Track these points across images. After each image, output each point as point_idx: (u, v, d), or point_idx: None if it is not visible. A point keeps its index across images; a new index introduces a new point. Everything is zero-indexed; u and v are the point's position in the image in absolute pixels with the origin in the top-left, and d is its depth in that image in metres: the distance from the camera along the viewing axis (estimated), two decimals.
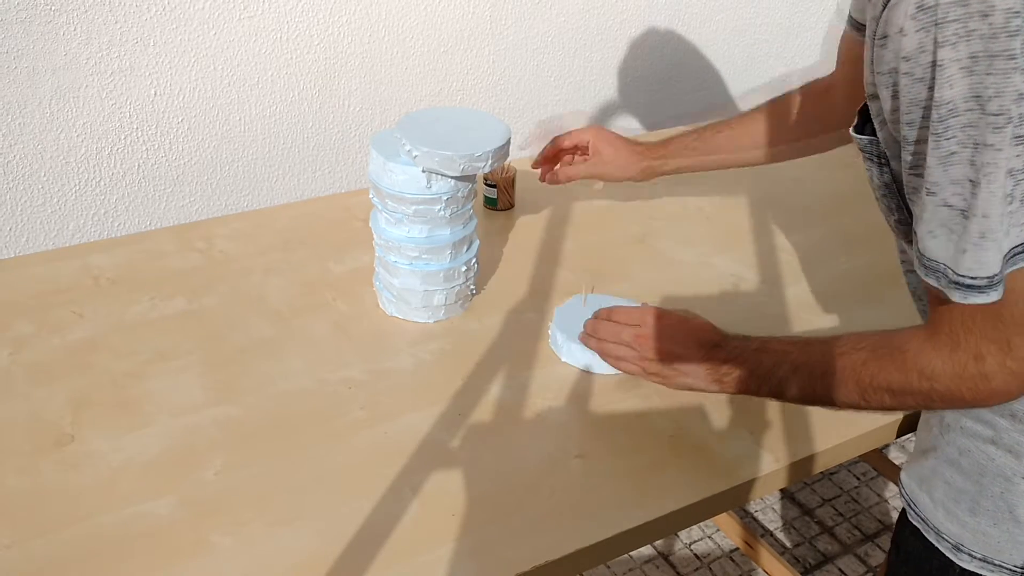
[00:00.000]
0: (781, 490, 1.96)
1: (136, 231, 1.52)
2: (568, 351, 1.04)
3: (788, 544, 1.87)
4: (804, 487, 2.01)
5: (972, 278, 0.67)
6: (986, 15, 0.59)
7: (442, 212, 1.06)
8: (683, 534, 1.87)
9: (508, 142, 1.06)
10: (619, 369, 1.00)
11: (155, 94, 1.44)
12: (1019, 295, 0.68)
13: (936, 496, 0.86)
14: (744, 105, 2.17)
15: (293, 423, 0.94)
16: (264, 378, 1.01)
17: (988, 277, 0.67)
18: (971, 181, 0.64)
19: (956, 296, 0.69)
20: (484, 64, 1.76)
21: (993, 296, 0.67)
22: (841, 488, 2.01)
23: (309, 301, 1.14)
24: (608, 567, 1.78)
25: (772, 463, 0.92)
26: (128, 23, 1.37)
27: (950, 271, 0.68)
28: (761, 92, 2.18)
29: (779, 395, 0.87)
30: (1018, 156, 0.62)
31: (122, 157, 1.46)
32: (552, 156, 1.29)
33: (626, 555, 1.76)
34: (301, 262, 1.23)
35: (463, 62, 1.73)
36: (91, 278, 1.17)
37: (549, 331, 1.09)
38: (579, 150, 1.28)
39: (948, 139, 0.64)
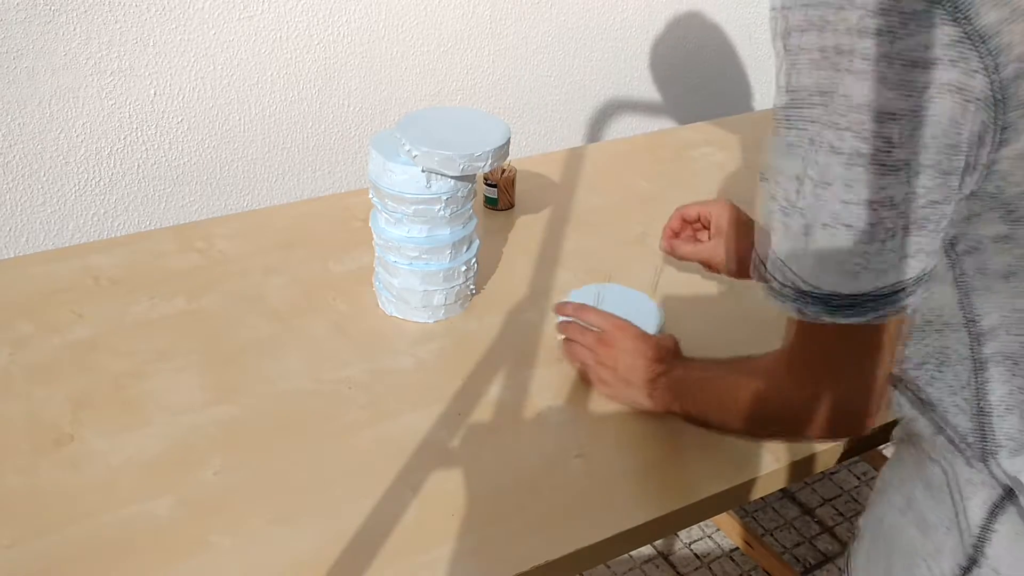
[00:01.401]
0: (781, 490, 1.96)
1: (136, 231, 1.52)
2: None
3: (788, 544, 1.87)
4: (804, 487, 2.01)
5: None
6: (843, 8, 0.56)
7: (442, 212, 1.06)
8: (683, 534, 1.86)
9: (508, 142, 1.06)
10: (578, 372, 1.01)
11: (155, 94, 1.44)
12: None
13: (856, 571, 0.80)
14: (745, 106, 2.17)
15: (293, 423, 0.94)
16: (264, 378, 1.01)
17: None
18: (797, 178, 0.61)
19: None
20: (484, 64, 1.76)
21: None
22: (841, 488, 2.01)
23: (309, 301, 1.14)
24: (608, 567, 1.78)
25: (772, 462, 0.92)
26: (128, 23, 1.37)
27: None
28: (766, 91, 2.18)
29: (704, 422, 0.86)
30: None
31: (122, 157, 1.46)
32: (678, 229, 1.12)
33: (626, 555, 1.76)
34: (301, 262, 1.23)
35: (463, 62, 1.73)
36: (91, 278, 1.17)
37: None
38: (702, 224, 1.12)
39: (794, 129, 0.60)
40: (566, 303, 1.03)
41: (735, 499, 0.91)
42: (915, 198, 0.57)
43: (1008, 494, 0.66)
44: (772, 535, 1.89)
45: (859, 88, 0.56)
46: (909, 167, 0.56)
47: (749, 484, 0.90)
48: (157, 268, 1.20)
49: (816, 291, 0.61)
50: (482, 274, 1.20)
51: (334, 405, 0.97)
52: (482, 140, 1.04)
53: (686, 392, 0.88)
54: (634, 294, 1.10)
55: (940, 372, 0.68)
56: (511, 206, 1.39)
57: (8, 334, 1.05)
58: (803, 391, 0.69)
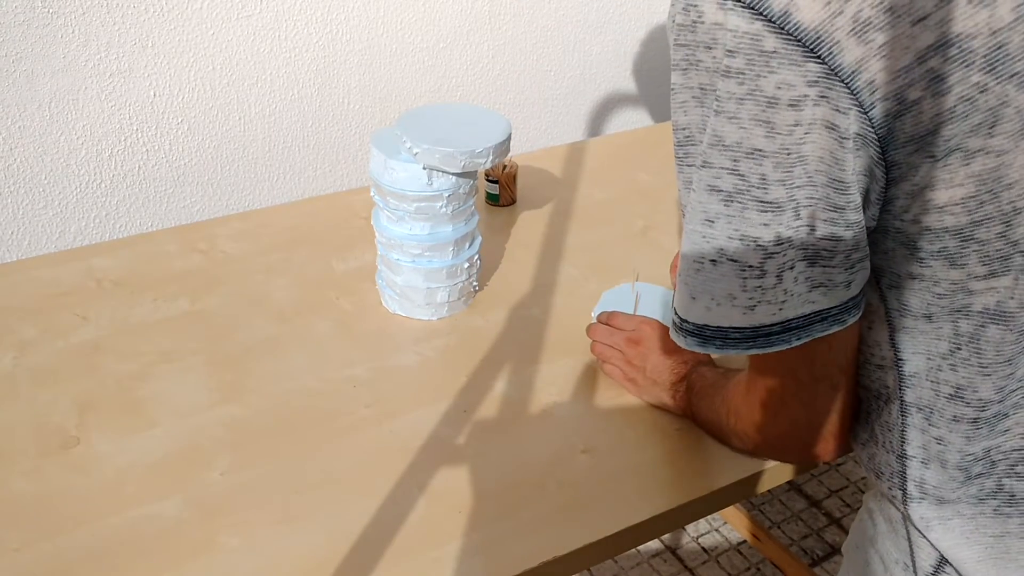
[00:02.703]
0: (788, 482, 1.96)
1: (138, 232, 1.52)
2: None
3: (796, 536, 1.87)
4: (811, 478, 2.01)
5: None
6: (710, 48, 0.55)
7: (444, 209, 1.06)
8: (690, 528, 1.86)
9: (509, 137, 1.06)
10: (604, 371, 1.01)
11: (154, 95, 1.44)
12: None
13: None
14: None
15: (298, 422, 0.94)
16: (268, 378, 1.00)
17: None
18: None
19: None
20: (484, 59, 1.75)
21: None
22: (848, 479, 2.01)
23: (312, 300, 1.14)
24: (615, 561, 1.78)
25: None
26: (126, 25, 1.37)
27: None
28: None
29: (705, 429, 0.90)
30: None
31: (122, 159, 1.46)
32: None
33: (633, 549, 1.76)
34: (303, 261, 1.22)
35: (462, 57, 1.73)
36: (94, 280, 1.17)
37: (593, 313, 1.09)
38: None
39: (688, 166, 0.60)
40: (596, 325, 1.03)
41: (742, 492, 0.91)
42: (808, 232, 0.57)
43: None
44: (780, 527, 1.88)
45: (726, 128, 0.55)
46: (793, 202, 0.56)
47: (756, 477, 0.90)
48: (160, 269, 1.20)
49: (712, 327, 0.62)
50: (485, 270, 1.20)
51: (339, 404, 0.97)
52: (483, 136, 1.04)
53: (696, 396, 0.89)
54: (666, 291, 1.10)
55: (878, 406, 0.67)
56: (513, 202, 1.39)
57: (12, 337, 1.05)
58: (753, 415, 0.72)
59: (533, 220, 1.35)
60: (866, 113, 0.53)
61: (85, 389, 0.98)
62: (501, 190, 1.37)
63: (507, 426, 0.95)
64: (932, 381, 0.62)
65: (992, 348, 0.58)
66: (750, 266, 0.58)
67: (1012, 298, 0.57)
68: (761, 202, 0.56)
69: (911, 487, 0.65)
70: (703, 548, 1.83)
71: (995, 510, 0.62)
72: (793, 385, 0.66)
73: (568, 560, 0.80)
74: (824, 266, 0.58)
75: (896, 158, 0.55)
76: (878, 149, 0.55)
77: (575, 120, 1.94)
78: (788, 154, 0.54)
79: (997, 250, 0.55)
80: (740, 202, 0.56)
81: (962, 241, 0.56)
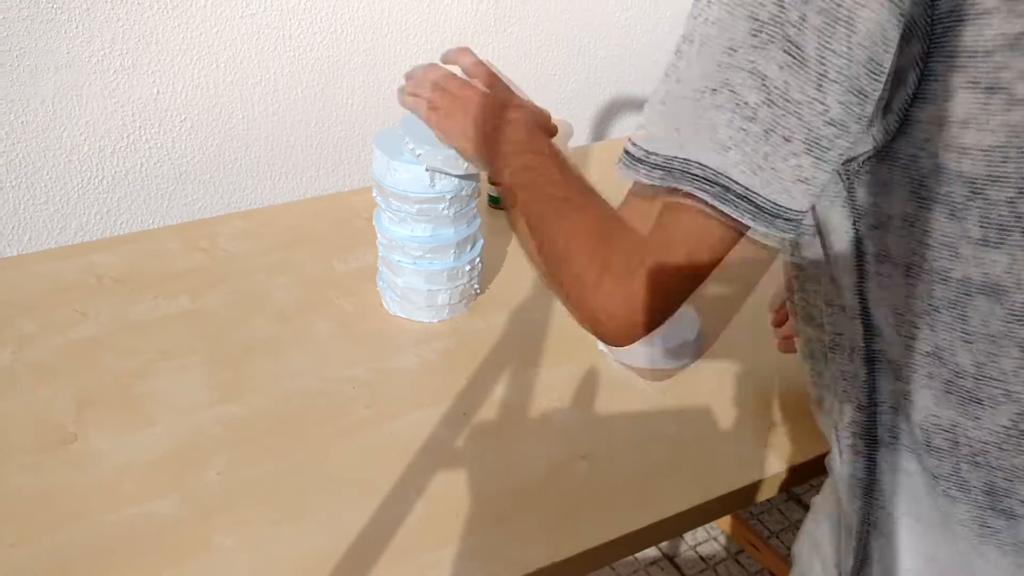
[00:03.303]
0: (787, 492, 1.96)
1: (139, 229, 1.52)
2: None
3: None
4: (810, 489, 2.01)
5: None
6: None
7: (446, 211, 1.06)
8: (688, 536, 1.86)
9: None
10: (403, 97, 0.94)
11: (158, 92, 1.44)
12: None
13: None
14: None
15: (297, 422, 0.94)
16: (268, 377, 1.00)
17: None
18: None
19: None
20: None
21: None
22: None
23: (313, 300, 1.14)
24: (613, 569, 1.78)
25: (778, 465, 0.92)
26: (130, 21, 1.37)
27: None
28: None
29: (512, 197, 0.76)
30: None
31: (125, 155, 1.46)
32: (780, 322, 1.01)
33: (631, 557, 1.75)
34: (305, 261, 1.22)
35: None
36: (94, 277, 1.17)
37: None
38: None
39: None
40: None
41: (740, 501, 0.90)
42: (821, 108, 0.52)
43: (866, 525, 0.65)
44: (778, 537, 1.88)
45: None
46: (820, 66, 0.51)
47: (755, 486, 0.90)
48: (160, 267, 1.19)
49: (680, 159, 0.55)
50: (487, 273, 1.20)
51: (338, 405, 0.97)
52: None
53: (535, 181, 0.76)
54: None
55: (833, 354, 0.65)
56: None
57: (11, 333, 1.05)
58: (595, 253, 0.62)
59: None
60: (928, 4, 0.49)
61: (84, 386, 0.98)
62: None
63: (506, 430, 0.95)
64: (906, 337, 0.59)
65: (979, 318, 0.55)
66: (746, 103, 0.53)
67: (1009, 273, 0.54)
68: (788, 42, 0.51)
69: (882, 432, 0.63)
70: (701, 557, 1.82)
71: (944, 492, 0.60)
72: (659, 248, 0.59)
73: (565, 566, 0.80)
74: (811, 156, 0.53)
75: (937, 70, 0.51)
76: (923, 49, 0.51)
77: (580, 124, 1.94)
78: (839, 6, 0.50)
79: (1000, 216, 0.52)
80: (768, 34, 0.51)
81: (971, 193, 0.53)
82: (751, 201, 0.54)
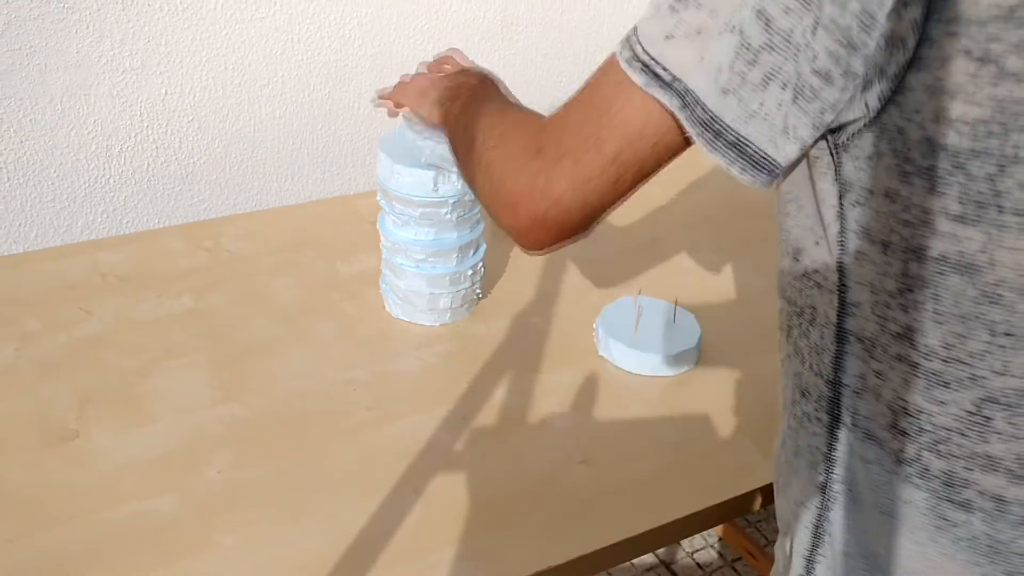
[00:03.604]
0: None
1: (145, 229, 1.52)
2: (605, 346, 1.06)
3: None
4: None
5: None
6: None
7: (449, 215, 1.06)
8: (685, 543, 1.86)
9: None
10: (393, 96, 1.02)
11: (166, 93, 1.45)
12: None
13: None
14: None
15: (298, 423, 0.95)
16: (270, 378, 1.01)
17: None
18: None
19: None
20: (494, 68, 1.75)
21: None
22: None
23: (316, 302, 1.15)
24: (609, 574, 1.78)
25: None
26: (140, 22, 1.38)
27: None
28: None
29: (444, 122, 0.81)
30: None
31: (132, 155, 1.47)
32: None
33: (628, 562, 1.75)
34: (308, 263, 1.23)
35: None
36: (99, 275, 1.17)
37: (595, 326, 1.10)
38: None
39: None
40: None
41: (739, 509, 0.91)
42: (811, 55, 0.51)
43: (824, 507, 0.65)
44: (774, 546, 1.88)
45: None
46: (820, 10, 0.50)
47: (753, 494, 0.90)
48: (165, 266, 1.20)
49: (682, 83, 0.56)
50: (489, 278, 1.20)
51: (339, 406, 0.97)
52: None
53: (465, 96, 0.81)
54: (668, 306, 1.11)
55: (811, 328, 0.65)
56: None
57: (16, 329, 1.06)
58: (528, 141, 0.64)
59: None
60: None
61: (86, 383, 0.98)
62: None
63: (506, 434, 0.95)
64: (879, 316, 0.59)
65: (951, 298, 0.55)
66: (748, 46, 0.53)
67: (983, 252, 0.54)
68: None
69: (844, 415, 0.63)
70: (698, 564, 1.82)
71: (906, 477, 0.60)
72: (592, 152, 0.60)
73: (562, 571, 0.80)
74: (803, 108, 0.53)
75: (933, 35, 0.51)
76: (922, 13, 0.50)
77: None
78: None
79: (979, 192, 0.52)
80: None
81: (953, 167, 0.53)
82: (740, 149, 0.56)
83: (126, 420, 0.93)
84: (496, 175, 0.67)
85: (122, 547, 0.79)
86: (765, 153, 0.55)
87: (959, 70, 0.51)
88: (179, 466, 0.88)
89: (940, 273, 0.55)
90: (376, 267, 1.17)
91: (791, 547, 0.70)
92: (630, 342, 1.04)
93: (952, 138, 0.52)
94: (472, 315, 1.14)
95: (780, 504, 0.73)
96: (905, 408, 0.59)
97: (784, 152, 0.55)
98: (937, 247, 0.55)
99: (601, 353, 1.07)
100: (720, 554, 1.84)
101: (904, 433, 0.60)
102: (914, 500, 0.60)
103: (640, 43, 0.58)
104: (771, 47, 0.52)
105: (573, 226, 0.64)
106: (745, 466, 0.92)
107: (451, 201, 1.05)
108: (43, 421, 0.93)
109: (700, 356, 1.07)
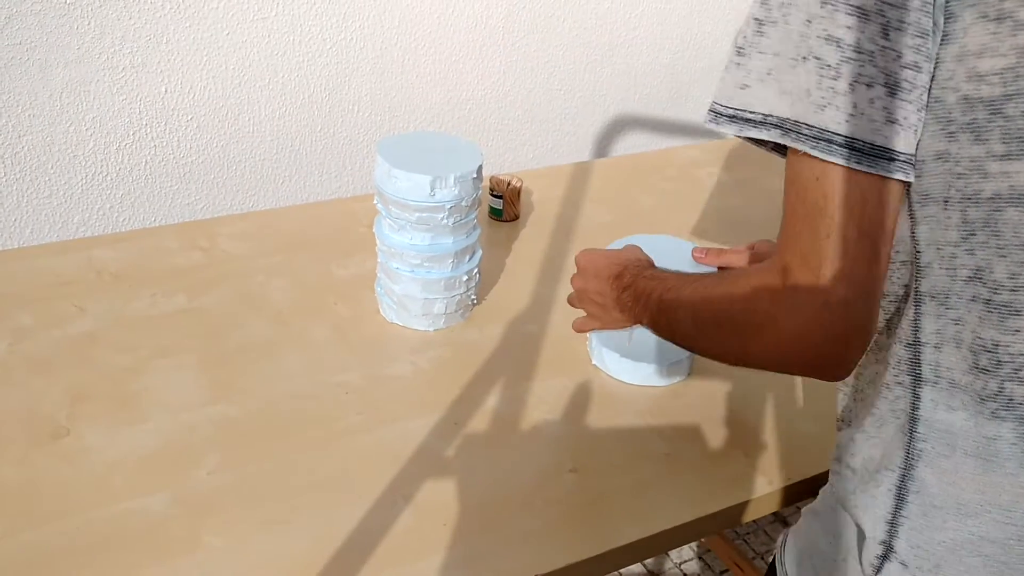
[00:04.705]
0: (773, 513, 1.96)
1: (141, 227, 1.52)
2: (599, 355, 1.07)
3: None
4: (796, 511, 2.01)
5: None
6: None
7: (445, 220, 1.07)
8: (673, 554, 1.86)
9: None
10: (579, 324, 0.99)
11: (165, 91, 1.45)
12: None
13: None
14: None
15: (289, 425, 0.94)
16: (262, 379, 1.01)
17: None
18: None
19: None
20: (495, 74, 1.76)
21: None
22: None
23: (310, 304, 1.15)
24: None
25: (766, 485, 0.92)
26: (142, 20, 1.38)
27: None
28: None
29: (655, 324, 0.79)
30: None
31: (130, 153, 1.47)
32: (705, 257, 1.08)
33: (616, 572, 1.75)
34: (304, 265, 1.23)
35: (474, 71, 1.74)
36: (94, 272, 1.17)
37: (588, 335, 1.10)
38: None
39: None
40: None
41: (727, 521, 0.91)
42: (894, 55, 0.59)
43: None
44: (763, 559, 1.88)
45: None
46: (881, 18, 0.58)
47: (742, 507, 0.90)
48: (160, 265, 1.20)
49: (778, 116, 0.62)
50: (484, 284, 1.20)
51: (331, 409, 0.97)
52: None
53: (657, 301, 0.81)
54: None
55: (891, 301, 0.68)
56: (516, 218, 1.40)
57: (8, 324, 1.06)
58: (787, 292, 0.62)
59: (535, 237, 1.36)
60: None
61: (78, 380, 0.98)
62: (505, 205, 1.37)
63: (497, 441, 0.95)
64: (948, 268, 0.64)
65: (1010, 230, 0.60)
66: (828, 65, 0.60)
67: None
68: (849, 5, 0.59)
69: (925, 370, 0.66)
70: (685, 575, 1.82)
71: (993, 413, 0.64)
72: (838, 241, 0.60)
73: None
74: (906, 100, 0.60)
75: (955, 11, 0.58)
76: None
77: (582, 140, 1.95)
78: None
79: (1018, 129, 0.58)
80: (833, 4, 0.59)
81: (991, 114, 0.59)
82: (852, 147, 0.60)
83: (117, 418, 0.93)
84: (766, 333, 0.64)
85: (111, 545, 0.79)
86: (874, 144, 0.60)
87: (981, 32, 0.58)
88: (170, 465, 0.88)
89: (997, 210, 0.60)
90: (371, 271, 1.17)
91: (863, 518, 0.71)
92: (623, 351, 1.04)
93: (985, 90, 0.59)
94: (466, 321, 1.15)
95: (845, 477, 0.74)
96: (984, 346, 0.63)
97: (893, 140, 0.61)
98: (990, 188, 0.60)
99: (594, 362, 1.08)
100: (708, 566, 1.85)
101: (985, 371, 0.63)
102: (1001, 434, 0.63)
103: (719, 103, 0.65)
104: (848, 59, 0.59)
105: (863, 294, 0.62)
106: (736, 478, 0.92)
107: (447, 206, 1.06)
108: (33, 418, 0.92)
109: (693, 367, 1.08)
